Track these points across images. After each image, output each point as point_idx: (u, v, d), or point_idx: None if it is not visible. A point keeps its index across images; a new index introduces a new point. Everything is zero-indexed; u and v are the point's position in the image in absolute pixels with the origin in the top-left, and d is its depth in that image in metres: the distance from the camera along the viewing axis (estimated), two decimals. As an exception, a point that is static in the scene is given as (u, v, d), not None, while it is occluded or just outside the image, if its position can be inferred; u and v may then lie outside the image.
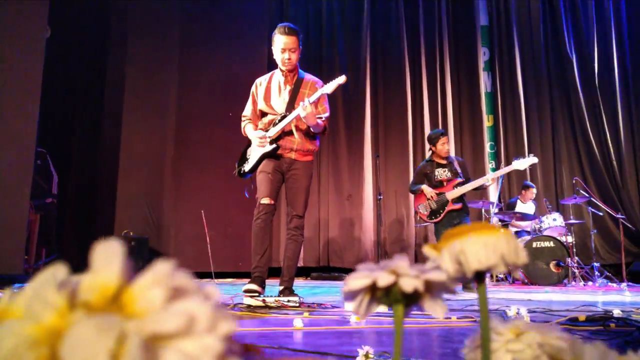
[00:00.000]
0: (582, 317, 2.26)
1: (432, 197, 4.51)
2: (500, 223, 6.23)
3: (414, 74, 7.32)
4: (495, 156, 7.40)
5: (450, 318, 2.28)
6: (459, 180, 4.54)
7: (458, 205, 4.48)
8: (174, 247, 5.63)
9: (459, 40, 7.50)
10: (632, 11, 7.38)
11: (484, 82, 7.51)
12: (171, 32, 6.13)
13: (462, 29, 7.58)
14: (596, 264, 5.79)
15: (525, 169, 4.86)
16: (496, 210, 6.32)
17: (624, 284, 5.28)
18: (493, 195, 6.68)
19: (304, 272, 6.49)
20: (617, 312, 2.69)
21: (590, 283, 5.71)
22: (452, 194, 4.49)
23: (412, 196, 6.88)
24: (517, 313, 2.27)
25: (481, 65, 7.52)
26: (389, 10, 7.44)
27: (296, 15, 7.21)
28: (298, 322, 1.86)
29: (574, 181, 6.17)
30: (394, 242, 6.80)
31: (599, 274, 5.71)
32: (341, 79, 2.99)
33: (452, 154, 7.07)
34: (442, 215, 4.50)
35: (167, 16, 6.13)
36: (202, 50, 6.17)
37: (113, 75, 5.91)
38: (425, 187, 4.54)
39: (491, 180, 4.73)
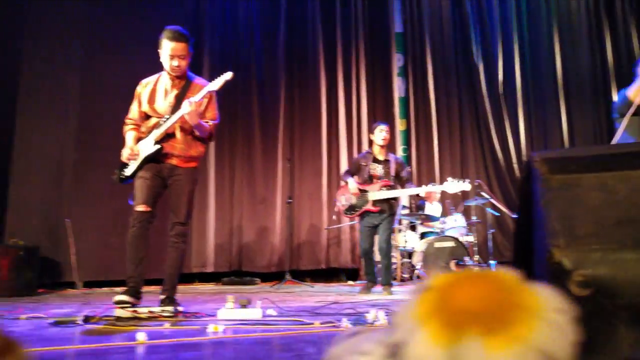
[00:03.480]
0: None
1: (354, 192, 4.50)
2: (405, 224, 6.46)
3: (330, 79, 7.46)
4: (408, 160, 7.66)
5: (312, 323, 2.35)
6: (389, 183, 4.56)
7: (376, 208, 4.51)
8: (76, 256, 5.41)
9: (374, 46, 7.71)
10: (531, 22, 7.89)
11: (397, 87, 7.75)
12: (74, 35, 5.92)
13: (378, 35, 7.79)
14: (493, 262, 6.16)
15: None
16: (404, 212, 6.57)
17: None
18: (404, 196, 6.92)
19: (216, 278, 6.44)
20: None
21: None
22: (375, 194, 4.51)
23: (324, 199, 7.04)
24: (376, 317, 2.39)
25: (395, 70, 7.76)
26: (305, 15, 7.51)
27: (213, 19, 7.12)
28: (141, 336, 1.86)
29: (476, 183, 6.51)
30: (306, 246, 6.89)
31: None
32: (227, 75, 2.99)
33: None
34: (357, 213, 4.55)
35: (70, 19, 5.93)
36: (110, 54, 6.00)
37: (4, 76, 5.59)
38: (351, 182, 4.53)
39: (424, 192, 4.74)
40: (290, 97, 7.35)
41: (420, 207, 6.85)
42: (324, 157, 7.20)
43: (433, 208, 6.77)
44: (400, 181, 4.65)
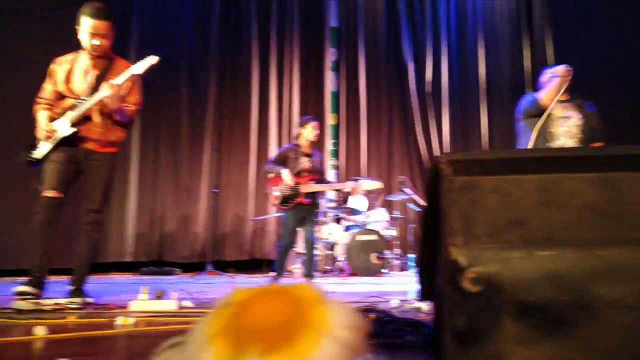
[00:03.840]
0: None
1: (290, 184, 4.47)
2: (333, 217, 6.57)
3: (263, 70, 7.41)
4: (337, 154, 7.76)
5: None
6: (316, 176, 4.60)
7: (307, 201, 4.53)
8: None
9: (309, 40, 7.73)
10: (459, 26, 8.23)
11: (330, 82, 7.81)
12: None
13: (313, 29, 7.81)
14: (412, 255, 6.40)
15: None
16: (330, 205, 6.67)
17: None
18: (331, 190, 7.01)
19: (134, 268, 6.21)
20: (394, 302, 2.99)
21: (406, 272, 6.30)
22: (306, 187, 4.53)
23: (251, 190, 6.99)
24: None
25: (329, 65, 7.82)
26: (239, 4, 7.38)
27: (142, 2, 6.82)
28: (40, 330, 1.75)
29: (400, 179, 6.72)
30: (230, 237, 6.81)
31: (413, 263, 6.33)
32: (152, 59, 2.88)
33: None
34: (290, 205, 4.52)
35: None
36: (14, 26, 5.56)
37: None
38: (285, 173, 4.49)
39: (349, 187, 4.79)
40: (220, 86, 7.21)
41: (346, 201, 6.97)
42: (252, 148, 7.14)
43: (358, 202, 6.92)
44: (323, 176, 4.73)
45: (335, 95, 7.94)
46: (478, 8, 8.33)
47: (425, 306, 2.65)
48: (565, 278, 0.83)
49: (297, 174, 4.51)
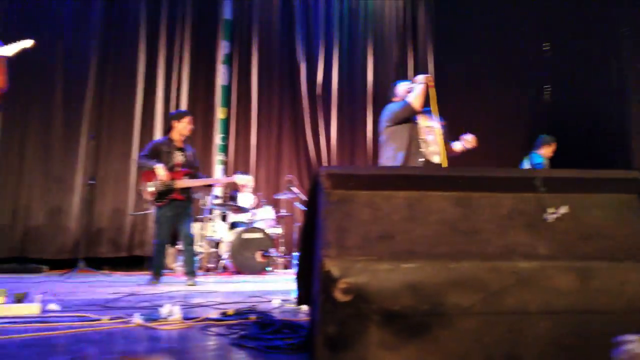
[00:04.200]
0: (230, 311, 2.45)
1: (165, 179, 4.28)
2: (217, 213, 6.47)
3: (150, 58, 7.06)
4: (225, 148, 7.64)
5: (99, 319, 2.20)
6: (190, 171, 4.46)
7: (181, 196, 4.39)
8: None
9: (201, 31, 7.50)
10: (351, 32, 8.53)
11: (221, 75, 7.67)
12: None
13: (206, 21, 7.59)
14: (296, 254, 6.52)
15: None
16: (216, 202, 6.55)
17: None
18: (217, 186, 6.89)
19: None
20: (276, 302, 3.03)
21: (290, 270, 6.41)
22: (181, 182, 4.38)
23: (132, 182, 6.63)
24: (171, 311, 2.34)
25: (220, 58, 7.67)
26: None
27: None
28: None
29: (287, 178, 6.81)
30: (107, 232, 6.41)
31: (297, 262, 6.46)
32: (26, 43, 2.65)
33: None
34: (164, 201, 4.34)
35: None
36: None
37: None
38: (160, 168, 4.28)
39: (223, 182, 4.68)
40: (101, 72, 6.75)
41: (233, 198, 6.90)
42: (135, 139, 6.77)
43: (245, 199, 6.89)
44: (196, 171, 4.61)
45: (226, 89, 7.81)
46: (369, 14, 8.70)
47: (306, 307, 2.72)
48: (424, 289, 0.92)
49: (171, 169, 4.37)
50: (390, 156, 3.48)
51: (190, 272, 4.43)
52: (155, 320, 2.21)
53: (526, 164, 5.70)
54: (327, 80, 8.25)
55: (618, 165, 6.77)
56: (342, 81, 8.39)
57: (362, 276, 0.92)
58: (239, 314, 2.38)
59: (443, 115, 3.71)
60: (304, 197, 6.82)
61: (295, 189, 6.69)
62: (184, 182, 4.41)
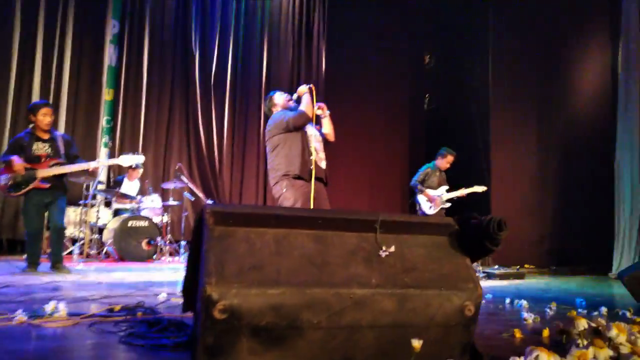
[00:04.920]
0: (117, 307, 2.56)
1: (19, 170, 4.17)
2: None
3: (27, 34, 6.56)
4: (111, 131, 7.40)
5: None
6: (58, 160, 4.35)
7: (46, 185, 4.27)
8: None
9: (87, 10, 7.10)
10: (247, 25, 8.60)
11: (109, 56, 7.37)
12: None
13: (92, -2, 7.20)
14: (183, 242, 6.58)
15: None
16: (100, 187, 6.37)
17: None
18: (102, 171, 6.68)
19: None
20: (162, 296, 3.15)
21: (177, 258, 6.45)
22: (45, 171, 4.26)
23: None
24: (56, 308, 2.39)
25: (109, 37, 7.36)
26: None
27: None
28: None
29: (177, 167, 6.79)
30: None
31: (183, 250, 6.52)
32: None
33: (63, 127, 6.70)
34: (23, 190, 4.21)
35: None
36: None
37: None
38: (16, 159, 4.17)
39: (93, 167, 4.60)
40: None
41: (118, 183, 6.73)
42: (8, 121, 6.33)
43: (131, 186, 6.76)
44: (69, 159, 4.51)
45: (114, 70, 7.53)
46: (266, 11, 8.82)
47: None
48: (284, 309, 1.19)
49: (33, 161, 4.29)
50: (285, 162, 3.66)
51: (59, 260, 4.37)
52: (40, 317, 2.25)
53: (424, 168, 6.20)
54: (221, 70, 8.28)
55: (482, 173, 7.67)
56: (237, 73, 8.48)
57: (236, 299, 1.16)
58: (126, 309, 2.50)
59: (334, 112, 3.95)
60: (192, 186, 6.86)
61: (184, 178, 6.69)
62: (47, 171, 4.31)
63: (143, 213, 6.32)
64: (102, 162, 4.72)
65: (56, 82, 6.79)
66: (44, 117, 4.31)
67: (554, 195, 7.95)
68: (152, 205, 6.43)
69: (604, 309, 2.94)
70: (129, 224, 5.98)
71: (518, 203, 7.78)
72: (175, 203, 6.84)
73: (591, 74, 8.21)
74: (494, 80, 8.05)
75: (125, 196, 6.39)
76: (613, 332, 1.22)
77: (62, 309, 2.37)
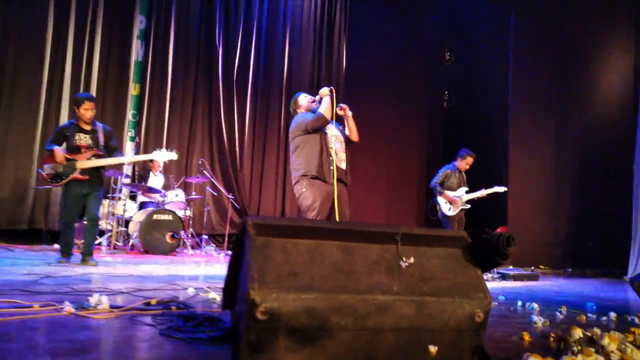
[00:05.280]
0: (153, 301, 2.77)
1: (60, 161, 4.40)
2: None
3: (59, 28, 6.85)
4: (137, 125, 7.64)
5: (32, 306, 2.42)
6: (98, 152, 4.55)
7: (84, 177, 4.49)
8: None
9: (116, 5, 7.34)
10: (270, 22, 8.76)
11: (136, 51, 7.60)
12: None
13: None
14: (205, 236, 6.82)
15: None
16: (126, 181, 6.62)
17: (222, 254, 6.51)
18: (126, 165, 6.93)
19: None
20: (190, 291, 3.36)
21: (198, 251, 6.69)
22: (83, 163, 4.48)
23: (37, 154, 6.49)
24: (99, 301, 2.60)
25: (136, 33, 7.59)
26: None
27: None
28: None
29: (200, 162, 7.02)
30: (6, 203, 6.25)
31: (204, 244, 6.76)
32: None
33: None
34: (63, 181, 4.44)
35: None
36: None
37: None
38: (57, 151, 4.40)
39: (129, 161, 4.79)
40: (3, 35, 6.44)
41: (143, 178, 6.98)
42: (41, 111, 6.62)
43: (156, 180, 7.00)
44: (108, 150, 4.72)
45: (140, 65, 7.76)
46: (289, 7, 8.96)
47: (218, 296, 3.10)
48: (316, 312, 1.37)
49: (74, 151, 4.49)
50: (304, 162, 3.87)
51: (88, 253, 4.57)
52: (85, 308, 2.47)
53: (444, 169, 6.33)
54: (244, 66, 8.47)
55: (500, 173, 7.75)
56: (259, 69, 8.66)
57: (275, 303, 1.34)
58: (162, 303, 2.72)
59: (354, 109, 4.11)
60: (215, 181, 7.08)
61: (206, 173, 6.92)
62: (86, 163, 4.51)
63: (167, 207, 6.56)
64: (137, 157, 4.94)
65: (86, 75, 7.04)
66: (85, 111, 4.53)
67: (571, 197, 8.00)
68: (176, 199, 6.67)
69: (612, 315, 3.07)
70: (154, 217, 6.22)
71: (535, 204, 7.85)
72: (198, 197, 7.07)
73: (613, 77, 8.22)
74: (514, 80, 8.09)
75: (151, 190, 6.63)
76: (605, 341, 1.37)
77: (105, 301, 2.59)
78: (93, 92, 7.02)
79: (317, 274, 1.40)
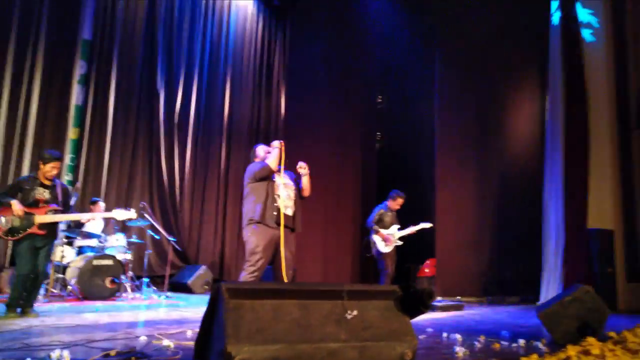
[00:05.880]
0: (112, 352, 2.95)
1: (19, 214, 4.40)
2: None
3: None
4: (74, 169, 7.61)
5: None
6: (56, 207, 4.60)
7: (42, 232, 4.52)
8: None
9: (57, 51, 7.38)
10: (212, 65, 9.09)
11: (76, 95, 7.64)
12: None
13: (63, 40, 7.48)
14: (146, 279, 6.87)
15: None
16: (63, 227, 6.58)
17: (162, 296, 6.61)
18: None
19: None
20: (143, 338, 3.54)
21: (138, 295, 6.71)
22: (42, 217, 4.51)
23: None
24: (60, 356, 2.75)
25: (76, 77, 7.64)
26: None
27: None
28: None
29: (141, 205, 7.11)
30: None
31: (146, 287, 6.81)
32: None
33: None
34: (21, 235, 4.45)
35: None
36: None
37: None
38: (15, 204, 4.40)
39: (87, 219, 4.85)
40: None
41: (81, 223, 6.95)
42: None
43: (94, 224, 6.99)
44: (64, 206, 4.80)
45: (80, 109, 7.79)
46: (229, 53, 9.37)
47: (172, 343, 3.31)
48: (280, 359, 1.70)
49: (32, 205, 4.55)
50: (251, 208, 4.25)
51: (30, 305, 4.58)
52: (49, 364, 2.62)
53: (378, 209, 6.86)
54: (185, 110, 8.70)
55: (428, 210, 8.41)
56: (200, 112, 8.93)
57: (247, 354, 1.67)
58: (121, 354, 2.90)
59: (293, 153, 4.52)
60: (156, 225, 7.18)
61: (147, 216, 7.01)
62: (44, 218, 4.58)
63: (107, 251, 6.57)
64: (97, 214, 5.02)
65: (23, 119, 6.98)
66: (51, 169, 4.59)
67: (492, 230, 8.81)
68: (117, 244, 6.70)
69: (521, 341, 3.61)
70: (94, 262, 6.22)
71: (460, 238, 8.57)
72: (139, 241, 7.12)
73: (523, 122, 9.25)
74: (440, 122, 8.90)
75: (89, 235, 6.62)
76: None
77: (67, 356, 2.75)
78: (30, 134, 6.99)
79: (280, 328, 1.73)
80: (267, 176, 4.29)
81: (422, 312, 1.92)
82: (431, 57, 9.18)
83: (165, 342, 3.35)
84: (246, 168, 4.46)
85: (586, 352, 2.35)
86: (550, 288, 7.48)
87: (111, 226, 6.98)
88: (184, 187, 8.51)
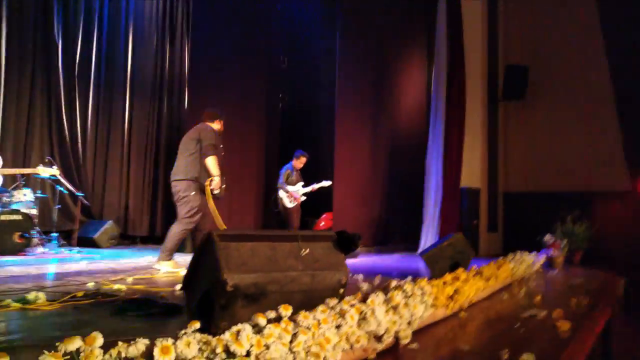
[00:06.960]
0: (79, 293, 3.46)
1: None
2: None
3: None
4: (-35, 120, 7.37)
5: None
6: None
7: None
8: None
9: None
10: (112, 15, 9.01)
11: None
12: None
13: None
14: (55, 234, 7.07)
15: None
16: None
17: (75, 250, 6.90)
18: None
19: None
20: (91, 285, 4.05)
21: (47, 250, 6.92)
22: None
23: None
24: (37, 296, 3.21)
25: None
26: None
27: None
28: None
29: (47, 160, 7.17)
30: None
31: (56, 242, 7.02)
32: None
33: None
34: None
35: None
36: None
37: None
38: None
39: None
40: None
41: (-17, 177, 6.88)
42: None
43: (-4, 180, 6.96)
44: None
45: (-31, 54, 7.46)
46: (130, 3, 9.31)
47: (123, 287, 3.88)
48: (258, 284, 2.46)
49: None
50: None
51: None
52: (29, 303, 3.10)
53: (284, 169, 7.68)
54: (85, 61, 8.62)
55: (328, 167, 9.38)
56: (100, 63, 8.89)
57: (237, 280, 2.40)
58: (88, 294, 3.44)
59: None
60: (62, 179, 7.30)
61: (55, 171, 7.10)
62: None
63: (14, 207, 6.65)
64: (18, 170, 5.15)
65: None
66: None
67: (383, 186, 10.07)
68: (24, 199, 6.77)
69: (409, 278, 4.71)
70: (1, 218, 6.32)
71: (355, 193, 9.71)
72: (45, 195, 7.22)
73: (413, 86, 10.49)
74: (340, 85, 9.78)
75: (-7, 190, 6.63)
76: (406, 286, 2.75)
77: (42, 296, 3.24)
78: None
79: (257, 262, 2.47)
80: None
81: (353, 250, 2.78)
82: (333, 21, 9.92)
83: (117, 286, 3.92)
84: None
85: (456, 278, 3.42)
86: (429, 239, 8.93)
87: (19, 180, 6.99)
88: (87, 140, 8.56)
